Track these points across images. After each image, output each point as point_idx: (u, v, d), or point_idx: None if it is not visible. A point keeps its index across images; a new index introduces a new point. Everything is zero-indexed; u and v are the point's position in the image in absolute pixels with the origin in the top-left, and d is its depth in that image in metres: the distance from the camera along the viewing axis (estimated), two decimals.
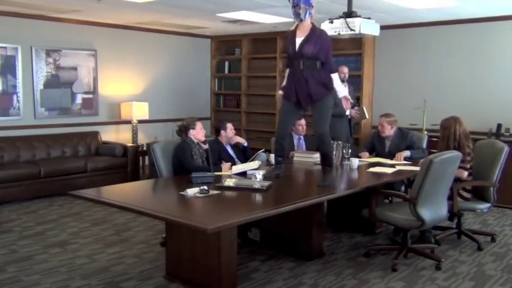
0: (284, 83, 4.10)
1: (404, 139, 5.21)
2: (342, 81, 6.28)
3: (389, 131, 5.24)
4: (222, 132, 5.04)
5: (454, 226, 4.77)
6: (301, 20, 3.82)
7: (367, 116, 6.52)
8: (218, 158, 4.84)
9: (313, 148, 5.30)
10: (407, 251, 4.19)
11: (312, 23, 3.88)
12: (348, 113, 6.01)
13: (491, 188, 4.48)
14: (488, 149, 4.60)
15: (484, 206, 4.51)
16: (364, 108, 6.54)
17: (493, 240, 4.72)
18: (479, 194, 4.54)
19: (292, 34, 3.92)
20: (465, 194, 4.51)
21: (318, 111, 3.94)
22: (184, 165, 4.32)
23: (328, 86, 3.88)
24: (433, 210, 3.95)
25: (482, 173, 4.55)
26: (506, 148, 4.45)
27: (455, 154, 3.96)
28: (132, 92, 7.97)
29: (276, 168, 4.18)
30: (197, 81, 9.00)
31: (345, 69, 6.42)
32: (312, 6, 3.82)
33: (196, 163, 4.37)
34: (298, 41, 3.84)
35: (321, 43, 3.82)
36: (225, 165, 4.53)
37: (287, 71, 4.06)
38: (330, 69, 3.91)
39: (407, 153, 5.05)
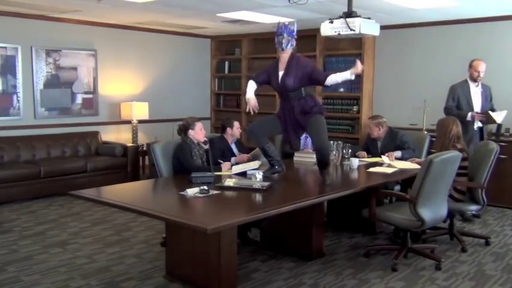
0: (278, 110, 4.25)
1: (394, 139, 5.21)
2: (475, 81, 5.60)
3: (377, 132, 5.25)
4: (228, 129, 5.05)
5: (447, 227, 4.75)
6: (282, 49, 3.92)
7: (497, 120, 5.58)
8: (221, 156, 4.85)
9: None
10: (407, 251, 4.20)
11: (292, 53, 3.96)
12: (469, 117, 5.45)
13: (479, 190, 4.42)
14: (481, 150, 4.58)
15: (472, 208, 4.47)
16: (490, 113, 5.50)
17: (487, 243, 4.66)
18: (471, 196, 4.50)
19: (275, 66, 4.02)
20: (456, 195, 4.46)
21: (312, 129, 4.01)
22: (184, 166, 4.32)
23: (312, 111, 3.96)
24: (433, 210, 3.95)
25: (475, 174, 4.50)
26: (496, 149, 4.39)
27: (456, 154, 3.96)
28: (132, 92, 7.98)
29: (271, 167, 4.18)
30: (197, 81, 9.00)
31: (480, 66, 5.53)
32: (295, 39, 3.91)
33: (196, 163, 4.37)
34: (280, 74, 3.95)
35: (301, 70, 3.90)
36: (225, 165, 4.54)
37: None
38: (324, 77, 3.92)
39: (397, 154, 5.03)
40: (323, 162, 4.02)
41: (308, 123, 3.99)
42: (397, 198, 4.72)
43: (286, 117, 4.04)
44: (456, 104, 5.68)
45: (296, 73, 3.89)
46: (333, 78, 3.91)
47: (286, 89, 3.94)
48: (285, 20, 4.01)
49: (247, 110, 4.09)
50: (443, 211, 4.08)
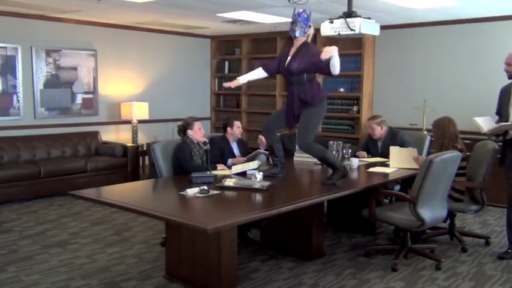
0: None
1: (395, 139, 5.19)
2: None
3: (379, 132, 5.23)
4: (228, 129, 5.07)
5: (447, 227, 4.76)
6: (295, 37, 3.90)
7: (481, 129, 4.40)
8: (220, 155, 4.85)
9: None
10: (407, 251, 4.20)
11: (305, 41, 3.93)
12: None
13: (479, 190, 4.42)
14: (480, 150, 4.57)
15: (472, 207, 4.47)
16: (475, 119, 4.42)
17: (487, 243, 4.67)
18: (471, 196, 4.51)
19: (287, 51, 4.01)
20: (456, 195, 4.46)
21: (300, 124, 4.00)
22: (183, 166, 4.32)
23: (308, 102, 3.90)
24: (433, 210, 3.95)
25: (474, 174, 4.50)
26: (494, 149, 4.38)
27: (455, 154, 3.96)
28: (132, 92, 7.98)
29: (273, 167, 4.18)
30: (197, 81, 9.00)
31: (507, 57, 4.51)
32: (310, 26, 3.88)
33: (195, 163, 4.37)
34: (289, 59, 3.94)
35: (309, 57, 3.85)
36: (220, 165, 4.57)
37: None
38: (328, 71, 3.82)
39: None
40: (321, 160, 3.99)
41: (301, 114, 3.95)
42: (396, 198, 4.72)
43: (288, 103, 4.03)
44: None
45: (301, 59, 3.87)
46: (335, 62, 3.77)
47: (289, 73, 3.93)
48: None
49: (227, 84, 4.05)
50: (443, 211, 4.08)
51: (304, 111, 3.93)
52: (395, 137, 5.20)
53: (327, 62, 3.73)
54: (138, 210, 3.21)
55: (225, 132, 5.13)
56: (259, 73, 4.13)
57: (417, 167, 4.55)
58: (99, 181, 6.26)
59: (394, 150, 4.78)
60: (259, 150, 5.12)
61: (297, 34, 3.87)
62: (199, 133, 4.50)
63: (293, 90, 3.94)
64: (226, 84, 4.09)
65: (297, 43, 3.93)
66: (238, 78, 4.11)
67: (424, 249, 4.32)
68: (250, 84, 8.81)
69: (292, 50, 3.96)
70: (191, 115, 4.79)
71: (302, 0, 5.02)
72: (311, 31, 3.95)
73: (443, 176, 3.89)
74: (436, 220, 4.07)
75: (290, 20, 3.94)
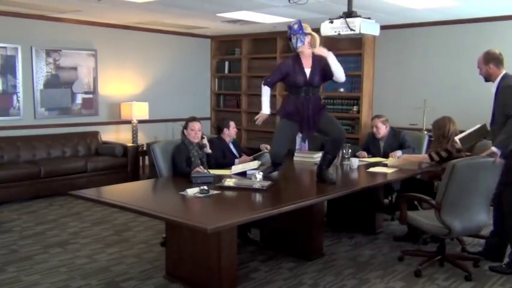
0: (286, 108, 4.06)
1: (397, 138, 5.21)
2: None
3: (384, 130, 5.24)
4: (225, 130, 5.06)
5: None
6: (295, 49, 3.89)
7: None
8: (222, 156, 4.84)
9: (315, 148, 5.31)
10: (442, 259, 4.06)
11: (313, 52, 3.93)
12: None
13: None
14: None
15: None
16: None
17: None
18: None
19: (297, 62, 3.92)
20: None
21: (329, 122, 4.04)
22: (175, 168, 4.37)
23: (324, 107, 4.09)
24: (464, 218, 3.77)
25: None
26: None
27: (486, 160, 3.75)
28: (132, 92, 7.98)
29: (270, 167, 4.18)
30: (197, 81, 9.00)
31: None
32: (305, 34, 3.86)
33: (186, 169, 4.30)
34: (307, 71, 3.91)
35: (320, 67, 3.91)
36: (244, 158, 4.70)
37: (288, 96, 4.08)
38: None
39: (398, 153, 5.01)
40: (332, 158, 4.10)
41: (320, 118, 3.99)
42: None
43: (303, 113, 3.96)
44: None
45: (317, 71, 3.91)
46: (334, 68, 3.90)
47: (312, 85, 3.94)
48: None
49: (257, 121, 4.16)
50: (479, 219, 3.85)
51: (324, 114, 4.03)
52: (397, 137, 5.21)
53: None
54: (138, 210, 3.21)
55: (220, 133, 5.11)
56: (268, 94, 4.05)
57: (415, 167, 4.57)
58: (99, 181, 6.26)
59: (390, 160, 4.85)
60: (265, 150, 5.11)
61: (296, 45, 3.87)
62: (191, 134, 4.48)
63: (309, 101, 3.93)
64: (257, 121, 4.17)
65: (306, 55, 3.91)
66: (262, 112, 4.07)
67: (459, 259, 4.09)
68: (250, 84, 8.86)
69: (306, 63, 3.91)
70: (191, 115, 4.77)
71: (302, 0, 5.02)
72: (312, 37, 3.92)
73: (473, 182, 3.70)
74: (469, 229, 3.91)
75: (290, 20, 3.94)
